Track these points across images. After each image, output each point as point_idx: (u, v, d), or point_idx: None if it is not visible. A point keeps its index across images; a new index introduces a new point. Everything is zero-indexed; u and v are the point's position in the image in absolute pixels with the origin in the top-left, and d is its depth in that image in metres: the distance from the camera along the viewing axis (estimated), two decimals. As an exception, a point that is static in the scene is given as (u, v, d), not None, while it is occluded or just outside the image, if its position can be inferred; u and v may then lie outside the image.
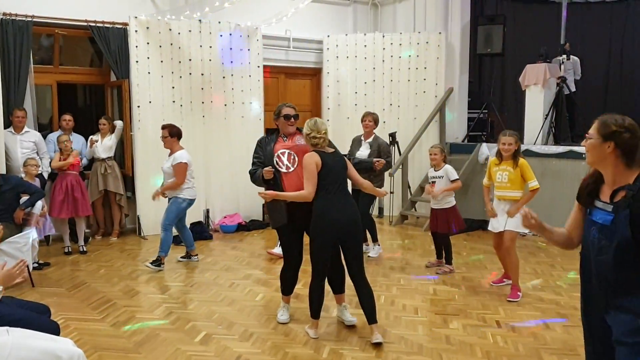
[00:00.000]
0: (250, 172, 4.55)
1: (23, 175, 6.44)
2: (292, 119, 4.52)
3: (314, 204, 4.15)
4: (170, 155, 6.22)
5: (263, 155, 4.48)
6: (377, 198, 9.01)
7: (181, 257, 6.57)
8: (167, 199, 6.29)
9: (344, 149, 6.25)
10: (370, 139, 6.53)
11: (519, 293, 5.19)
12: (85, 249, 6.93)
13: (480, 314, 4.80)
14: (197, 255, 6.60)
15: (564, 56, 8.91)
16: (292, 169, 4.38)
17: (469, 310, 4.89)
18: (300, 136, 4.52)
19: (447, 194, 5.96)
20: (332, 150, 4.32)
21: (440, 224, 6.02)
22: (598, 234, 2.32)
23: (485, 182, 5.46)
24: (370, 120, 6.56)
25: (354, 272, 4.22)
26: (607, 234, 2.28)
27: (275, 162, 4.40)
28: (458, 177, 6.01)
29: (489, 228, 5.45)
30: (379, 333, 4.15)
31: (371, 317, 4.17)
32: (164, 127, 6.24)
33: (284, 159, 4.40)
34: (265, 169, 4.35)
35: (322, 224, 4.10)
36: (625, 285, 2.25)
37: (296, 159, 4.39)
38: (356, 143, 6.65)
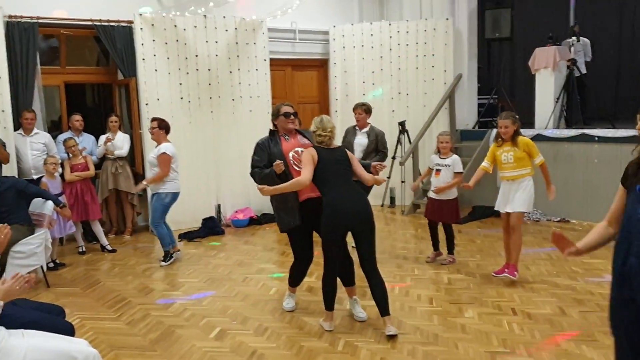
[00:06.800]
0: (253, 173, 4.47)
1: (43, 174, 6.47)
2: (292, 117, 4.50)
3: (323, 200, 4.15)
4: (156, 147, 6.34)
5: (267, 157, 4.39)
6: (388, 187, 9.01)
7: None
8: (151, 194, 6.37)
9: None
10: (366, 129, 6.34)
11: (516, 272, 5.16)
12: (112, 248, 6.98)
13: (496, 302, 4.77)
14: (179, 250, 6.65)
15: (574, 38, 8.76)
16: None
17: (484, 299, 4.86)
18: (301, 136, 4.55)
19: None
20: (336, 146, 4.31)
21: (446, 214, 5.88)
22: None
23: (484, 164, 5.37)
24: (361, 112, 6.37)
25: (365, 263, 4.19)
26: None
27: (292, 163, 4.36)
28: (463, 171, 5.91)
29: (496, 207, 5.36)
30: (392, 325, 4.13)
31: (384, 310, 4.14)
32: (154, 119, 6.36)
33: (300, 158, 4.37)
34: (276, 162, 4.26)
35: (332, 217, 4.08)
36: None
37: None
38: (351, 133, 6.47)
